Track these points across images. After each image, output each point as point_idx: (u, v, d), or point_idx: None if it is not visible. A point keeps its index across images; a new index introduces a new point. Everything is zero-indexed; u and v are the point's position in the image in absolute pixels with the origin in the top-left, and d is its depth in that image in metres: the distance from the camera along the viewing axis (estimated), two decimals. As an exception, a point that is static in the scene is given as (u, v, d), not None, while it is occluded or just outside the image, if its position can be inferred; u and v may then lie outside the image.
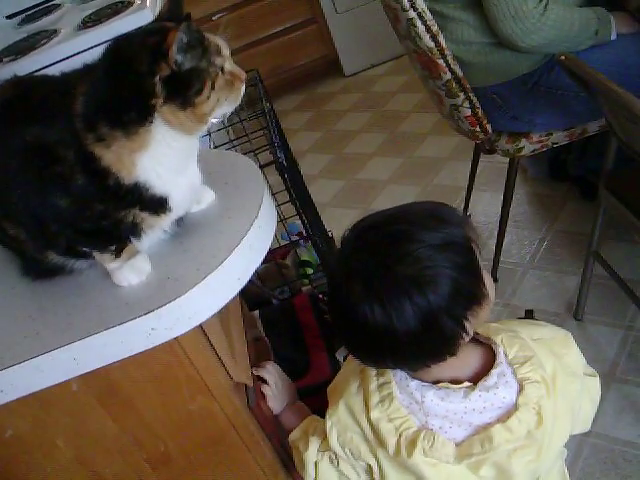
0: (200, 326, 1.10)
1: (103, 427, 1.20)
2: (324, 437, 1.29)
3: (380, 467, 1.21)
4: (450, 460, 1.15)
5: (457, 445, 1.17)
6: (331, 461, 1.29)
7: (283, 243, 2.71)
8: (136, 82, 1.01)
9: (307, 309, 2.13)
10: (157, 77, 0.99)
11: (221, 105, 1.07)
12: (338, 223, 3.30)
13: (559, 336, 1.31)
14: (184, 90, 1.01)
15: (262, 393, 1.43)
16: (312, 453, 1.31)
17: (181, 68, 1.00)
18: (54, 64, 2.65)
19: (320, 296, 2.22)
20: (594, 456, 2.08)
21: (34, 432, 1.19)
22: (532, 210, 3.11)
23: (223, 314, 1.14)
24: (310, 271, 2.65)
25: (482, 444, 1.15)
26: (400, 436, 1.16)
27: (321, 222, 2.73)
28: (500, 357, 1.20)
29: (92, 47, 2.66)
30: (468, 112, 2.40)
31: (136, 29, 1.08)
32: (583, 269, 2.43)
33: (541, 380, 1.18)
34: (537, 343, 1.25)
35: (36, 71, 2.54)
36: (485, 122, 2.43)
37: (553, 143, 2.46)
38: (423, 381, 1.19)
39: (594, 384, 1.36)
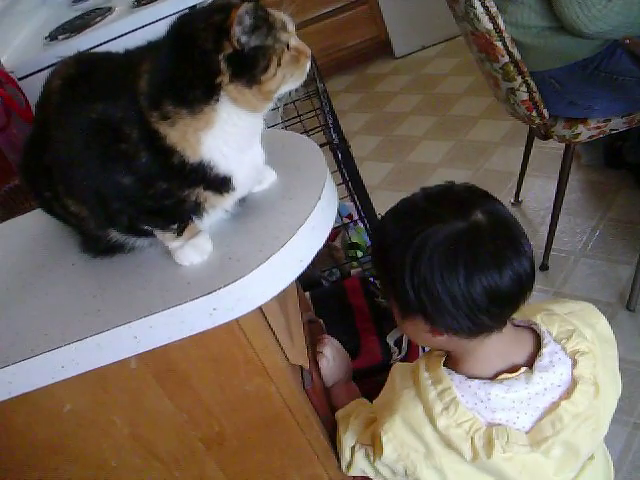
0: (260, 307, 1.10)
1: (159, 405, 1.21)
2: (365, 426, 1.31)
3: (444, 475, 1.20)
4: (527, 450, 1.14)
5: (527, 434, 1.16)
6: (367, 456, 1.29)
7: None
8: (201, 60, 1.00)
9: (358, 292, 2.12)
10: (221, 55, 0.99)
11: (287, 82, 1.05)
12: (387, 206, 3.28)
13: (587, 308, 1.32)
14: (250, 68, 1.00)
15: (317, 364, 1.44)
16: (350, 437, 1.33)
17: (245, 47, 0.99)
18: (108, 42, 2.68)
19: (371, 279, 2.20)
20: (646, 449, 2.05)
21: (91, 408, 1.20)
22: (585, 198, 3.06)
23: (281, 296, 1.12)
24: (360, 254, 2.64)
25: (553, 425, 1.15)
26: (472, 439, 1.15)
27: (371, 204, 2.71)
28: (546, 336, 1.20)
29: (146, 25, 2.68)
30: (525, 96, 2.36)
31: (204, 6, 1.07)
32: (637, 259, 2.39)
33: (588, 351, 1.19)
34: (571, 317, 1.26)
35: (90, 49, 2.56)
36: (542, 107, 2.39)
37: (611, 130, 2.41)
38: (483, 379, 1.18)
39: None
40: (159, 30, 1.06)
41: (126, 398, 1.20)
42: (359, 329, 1.98)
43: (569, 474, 1.21)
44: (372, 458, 1.28)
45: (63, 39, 2.81)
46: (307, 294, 2.00)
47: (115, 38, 2.69)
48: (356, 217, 2.53)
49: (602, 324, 1.29)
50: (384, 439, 1.22)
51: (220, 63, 0.99)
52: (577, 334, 1.21)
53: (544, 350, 1.18)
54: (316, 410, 1.32)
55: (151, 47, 1.07)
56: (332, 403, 1.44)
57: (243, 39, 0.99)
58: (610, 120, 2.38)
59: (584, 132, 2.41)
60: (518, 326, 1.24)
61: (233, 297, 1.03)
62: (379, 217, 2.77)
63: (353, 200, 2.29)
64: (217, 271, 1.07)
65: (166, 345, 1.08)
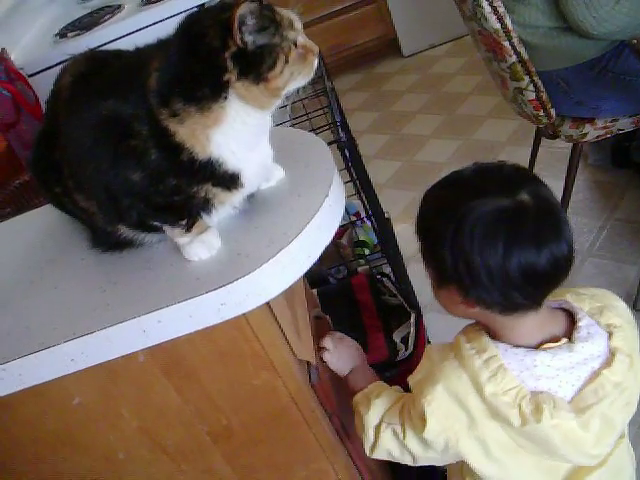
0: (267, 303, 1.10)
1: (167, 399, 1.22)
2: (391, 404, 1.32)
3: (487, 449, 1.22)
4: (571, 416, 1.16)
5: (569, 403, 1.18)
6: (395, 435, 1.30)
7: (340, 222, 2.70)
8: (209, 58, 1.01)
9: (365, 289, 2.13)
10: (227, 53, 0.99)
11: (295, 79, 1.06)
12: (394, 204, 3.30)
13: (607, 292, 1.33)
14: (256, 65, 1.01)
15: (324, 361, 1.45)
16: (373, 416, 1.33)
17: (249, 45, 1.00)
18: (118, 39, 2.68)
19: (378, 276, 2.21)
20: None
21: (100, 401, 1.21)
22: (592, 197, 3.06)
23: (288, 292, 1.13)
24: (367, 251, 2.66)
25: (595, 393, 1.17)
26: (520, 406, 1.16)
27: (378, 203, 2.72)
28: (579, 311, 1.23)
29: (155, 23, 2.69)
30: (532, 96, 2.37)
31: (213, 4, 1.08)
32: (644, 259, 2.40)
33: (620, 325, 1.23)
34: (596, 298, 1.29)
35: (100, 46, 2.57)
36: (549, 106, 2.39)
37: (618, 129, 2.41)
38: (527, 347, 1.20)
39: None
40: (168, 28, 1.07)
41: (134, 391, 1.21)
42: (366, 326, 1.99)
43: (605, 448, 1.22)
44: (402, 436, 1.28)
45: (73, 36, 2.82)
46: (314, 291, 2.00)
47: (124, 36, 2.69)
48: (363, 215, 2.54)
49: (622, 306, 1.31)
50: (427, 411, 1.21)
51: (227, 61, 1.00)
52: (607, 310, 1.24)
53: (580, 324, 1.21)
54: (322, 405, 1.32)
55: (160, 45, 1.08)
56: (350, 390, 1.44)
57: (247, 37, 0.99)
58: (617, 120, 2.38)
59: (591, 132, 2.42)
60: (551, 308, 1.26)
61: (241, 292, 1.04)
62: (386, 215, 2.79)
63: (360, 198, 2.30)
64: (225, 266, 1.08)
65: (174, 339, 1.09)
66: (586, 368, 1.19)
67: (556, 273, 1.15)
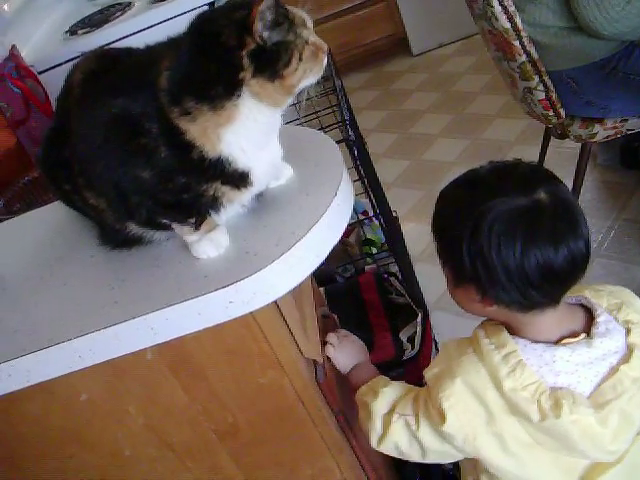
0: (275, 301, 1.11)
1: (174, 396, 1.22)
2: (402, 395, 1.33)
3: (504, 445, 1.22)
4: (590, 412, 1.16)
5: (588, 399, 1.18)
6: (407, 425, 1.29)
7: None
8: (223, 56, 1.01)
9: (372, 288, 2.13)
10: (244, 51, 1.00)
11: (307, 76, 1.07)
12: (402, 203, 3.30)
13: (624, 290, 1.34)
14: (273, 63, 1.02)
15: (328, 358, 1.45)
16: (382, 405, 1.33)
17: (267, 42, 1.01)
18: (128, 37, 2.69)
19: (385, 275, 2.21)
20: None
21: (107, 398, 1.22)
22: (600, 198, 3.05)
23: (296, 290, 1.14)
24: (374, 250, 2.66)
25: (614, 388, 1.18)
26: (539, 402, 1.17)
27: (386, 201, 2.72)
28: (597, 307, 1.24)
29: (165, 20, 2.69)
30: (542, 95, 2.37)
31: (224, 3, 1.09)
32: (652, 260, 2.39)
33: (638, 321, 1.23)
34: (613, 295, 1.30)
35: (109, 44, 2.58)
36: (559, 106, 2.39)
37: (628, 130, 2.41)
38: (546, 343, 1.20)
39: None
40: (178, 26, 1.07)
41: (141, 389, 1.21)
42: (372, 325, 1.99)
43: (623, 445, 1.22)
44: (415, 427, 1.28)
45: (83, 34, 2.83)
46: (322, 289, 2.01)
47: (134, 33, 2.70)
48: (371, 214, 2.54)
49: (639, 304, 1.31)
50: (446, 406, 1.21)
51: (243, 59, 1.00)
52: (626, 306, 1.25)
53: (598, 319, 1.21)
54: (329, 404, 1.33)
55: (172, 43, 1.08)
56: (352, 386, 1.44)
57: (265, 34, 1.00)
58: (627, 120, 2.38)
59: (600, 132, 2.41)
60: (569, 304, 1.26)
61: (249, 290, 1.05)
62: (394, 214, 2.79)
63: (368, 197, 2.29)
64: (234, 265, 1.08)
65: (182, 337, 1.10)
66: (604, 364, 1.19)
67: (573, 270, 1.15)
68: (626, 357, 1.20)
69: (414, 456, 1.33)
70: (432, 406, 1.25)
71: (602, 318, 1.22)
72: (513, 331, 1.24)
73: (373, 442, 1.35)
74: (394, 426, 1.30)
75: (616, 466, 1.26)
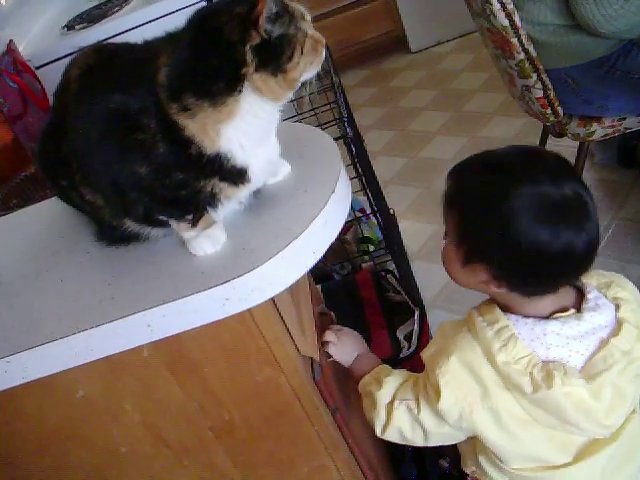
0: (272, 298, 1.10)
1: (170, 393, 1.22)
2: (403, 380, 1.35)
3: (499, 420, 1.24)
4: (582, 383, 1.19)
5: (579, 372, 1.21)
6: (409, 410, 1.32)
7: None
8: (226, 52, 1.01)
9: (369, 285, 2.13)
10: (248, 46, 0.99)
11: (307, 70, 1.07)
12: (399, 201, 3.30)
13: (615, 274, 1.37)
14: (276, 57, 1.02)
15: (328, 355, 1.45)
16: (385, 394, 1.35)
17: (271, 36, 1.00)
18: (125, 32, 2.69)
19: (382, 273, 2.21)
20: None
21: (103, 395, 1.22)
22: (598, 197, 3.01)
23: (293, 288, 1.13)
24: (371, 248, 2.66)
25: (605, 360, 1.20)
26: (531, 374, 1.19)
27: (384, 199, 2.72)
28: (587, 285, 1.27)
29: (163, 16, 2.69)
30: (540, 93, 2.36)
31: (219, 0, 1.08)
32: (649, 259, 2.39)
33: (627, 299, 1.27)
34: (605, 275, 1.34)
35: (107, 39, 2.57)
36: (557, 104, 2.38)
37: (626, 128, 2.40)
38: (537, 317, 1.22)
39: None
40: (176, 21, 1.06)
41: (138, 386, 1.21)
42: (369, 322, 1.99)
43: (618, 420, 1.25)
44: (417, 410, 1.30)
45: (80, 29, 2.82)
46: (318, 287, 2.00)
47: (132, 28, 2.70)
48: (369, 211, 2.53)
49: (631, 286, 1.34)
50: (442, 382, 1.24)
51: (246, 54, 1.00)
52: (615, 284, 1.29)
53: (589, 296, 1.25)
54: (325, 402, 1.32)
55: (170, 39, 1.08)
56: (356, 377, 1.46)
57: (268, 27, 1.00)
58: (625, 119, 2.37)
59: (598, 130, 2.41)
60: None
61: (246, 287, 1.04)
62: (391, 211, 2.78)
63: (366, 194, 2.30)
64: (231, 262, 1.08)
65: (178, 334, 1.09)
66: (594, 337, 1.22)
67: (590, 255, 1.19)
68: (616, 331, 1.23)
69: (417, 441, 1.36)
70: (429, 385, 1.27)
71: (592, 295, 1.25)
72: (506, 309, 1.26)
73: (378, 431, 1.38)
74: (396, 412, 1.33)
75: (612, 444, 1.29)
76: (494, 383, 1.22)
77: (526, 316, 1.23)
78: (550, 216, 1.15)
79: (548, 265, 1.17)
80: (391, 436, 1.37)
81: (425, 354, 1.33)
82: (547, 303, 1.23)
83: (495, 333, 1.22)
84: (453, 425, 1.28)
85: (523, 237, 1.14)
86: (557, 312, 1.23)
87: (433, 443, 1.36)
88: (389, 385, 1.36)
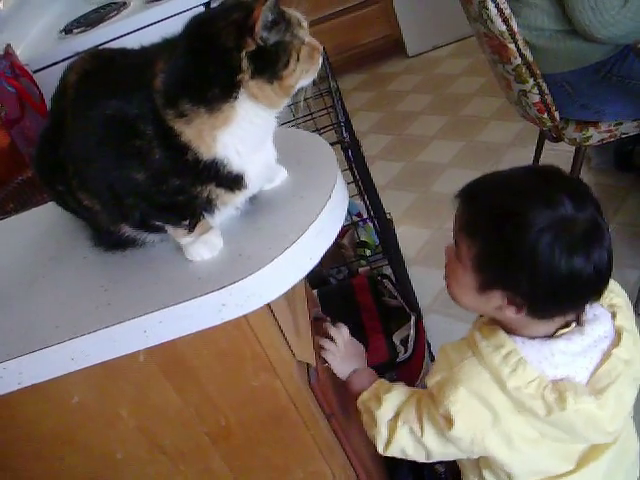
0: (268, 304, 1.10)
1: (166, 399, 1.22)
2: (405, 400, 1.34)
3: (511, 442, 1.23)
4: (592, 399, 1.19)
5: (586, 386, 1.21)
6: (412, 432, 1.31)
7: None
8: (222, 58, 1.01)
9: (366, 290, 2.13)
10: (243, 53, 1.00)
11: (303, 77, 1.07)
12: (396, 205, 3.30)
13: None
14: (272, 64, 1.02)
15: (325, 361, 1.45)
16: (386, 411, 1.35)
17: (267, 43, 1.01)
18: (123, 36, 2.69)
19: (379, 278, 2.21)
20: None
21: (99, 400, 1.21)
22: (595, 200, 3.05)
23: (289, 293, 1.13)
24: (368, 252, 2.66)
25: (609, 373, 1.21)
26: (543, 396, 1.18)
27: (381, 204, 2.72)
28: None
29: (161, 20, 2.69)
30: (537, 98, 2.36)
31: (219, 5, 1.08)
32: (645, 263, 2.39)
33: (621, 305, 1.28)
34: None
35: (105, 43, 2.57)
36: (553, 109, 2.39)
37: (622, 133, 2.41)
38: (542, 338, 1.22)
39: None
40: (173, 26, 1.06)
41: (133, 391, 1.21)
42: (366, 327, 1.99)
43: (620, 424, 1.25)
44: (420, 433, 1.30)
45: (78, 33, 2.82)
46: (315, 292, 2.00)
47: (130, 33, 2.70)
48: (365, 216, 2.53)
49: (618, 288, 1.34)
50: (452, 411, 1.23)
51: (242, 61, 1.00)
52: (608, 291, 1.27)
53: (586, 307, 1.23)
54: (321, 407, 1.32)
55: (167, 45, 1.08)
56: (353, 391, 1.45)
57: (264, 34, 1.00)
58: (621, 123, 2.38)
59: (595, 135, 2.41)
60: None
61: (242, 293, 1.04)
62: (388, 216, 2.78)
63: (363, 199, 2.29)
64: (227, 267, 1.08)
65: (175, 339, 1.09)
66: (597, 350, 1.22)
67: (611, 271, 1.19)
68: (616, 341, 1.23)
69: (419, 458, 1.35)
70: (438, 413, 1.26)
71: (589, 305, 1.23)
72: (510, 330, 1.25)
73: (380, 448, 1.37)
74: (399, 432, 1.32)
75: (610, 448, 1.30)
76: (505, 408, 1.21)
77: (531, 337, 1.22)
78: (580, 242, 1.13)
79: (581, 289, 1.17)
80: (393, 453, 1.36)
81: (431, 381, 1.31)
82: (555, 322, 1.23)
83: (503, 358, 1.21)
84: (464, 450, 1.28)
85: (556, 266, 1.13)
86: (560, 328, 1.22)
87: (435, 460, 1.36)
88: (389, 402, 1.35)
